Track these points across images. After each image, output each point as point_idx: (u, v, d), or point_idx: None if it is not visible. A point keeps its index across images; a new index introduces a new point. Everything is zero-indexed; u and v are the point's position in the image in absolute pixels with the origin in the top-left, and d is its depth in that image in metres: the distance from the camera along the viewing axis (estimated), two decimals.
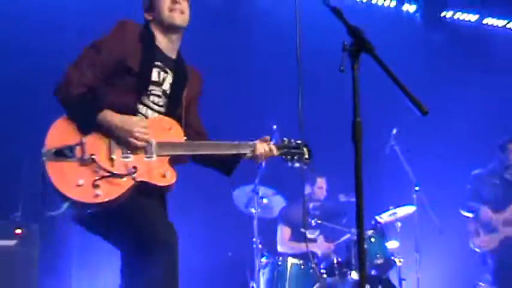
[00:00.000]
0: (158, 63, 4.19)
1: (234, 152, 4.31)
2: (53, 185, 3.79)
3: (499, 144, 8.43)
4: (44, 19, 7.89)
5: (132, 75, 4.07)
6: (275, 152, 4.39)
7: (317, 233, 8.12)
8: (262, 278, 7.53)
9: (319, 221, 7.92)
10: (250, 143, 4.34)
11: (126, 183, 3.89)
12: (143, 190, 3.99)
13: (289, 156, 4.46)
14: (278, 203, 8.10)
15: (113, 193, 3.85)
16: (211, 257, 8.34)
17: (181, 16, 4.24)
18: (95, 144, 3.91)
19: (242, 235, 8.00)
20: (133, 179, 3.91)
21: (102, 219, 3.95)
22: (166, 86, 4.24)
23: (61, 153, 3.83)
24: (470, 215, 8.38)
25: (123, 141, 3.96)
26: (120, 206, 3.91)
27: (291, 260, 7.56)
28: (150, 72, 4.15)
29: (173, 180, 4.07)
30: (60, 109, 4.06)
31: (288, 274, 7.47)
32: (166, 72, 4.24)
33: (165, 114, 4.24)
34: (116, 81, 4.05)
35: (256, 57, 8.33)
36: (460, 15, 11.22)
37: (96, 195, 3.79)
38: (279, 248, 8.14)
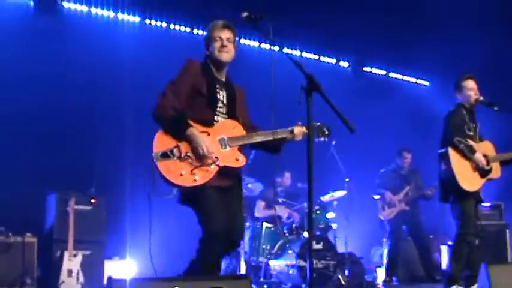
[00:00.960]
0: (217, 85, 4.11)
1: (279, 136, 4.10)
2: (164, 178, 3.80)
3: (396, 151, 8.56)
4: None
5: (203, 97, 4.01)
6: (305, 131, 4.07)
7: (282, 207, 8.25)
8: (246, 236, 7.44)
9: (284, 200, 8.12)
10: (289, 128, 4.15)
11: (214, 169, 3.87)
12: (225, 172, 3.94)
13: (316, 133, 4.24)
14: (258, 187, 7.90)
15: (206, 177, 3.84)
16: None
17: (227, 54, 4.12)
18: (187, 146, 3.86)
19: None
20: (217, 165, 3.87)
21: (193, 202, 3.92)
22: (224, 99, 4.13)
23: (165, 155, 3.81)
24: (378, 196, 8.45)
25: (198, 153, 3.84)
26: (201, 197, 3.87)
27: (265, 224, 7.62)
28: (216, 93, 4.08)
29: (244, 162, 4.02)
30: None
31: (263, 233, 7.55)
32: (222, 90, 4.13)
33: (228, 118, 4.11)
34: (195, 101, 4.00)
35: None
36: (375, 70, 11.32)
37: (195, 180, 3.80)
38: (256, 214, 7.98)
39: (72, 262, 6.27)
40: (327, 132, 4.33)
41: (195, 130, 3.88)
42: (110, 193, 7.34)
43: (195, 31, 8.77)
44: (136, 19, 8.44)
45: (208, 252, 3.81)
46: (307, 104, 3.37)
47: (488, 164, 5.59)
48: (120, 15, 8.28)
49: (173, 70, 4.04)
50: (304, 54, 10.16)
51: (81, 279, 6.27)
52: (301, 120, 4.07)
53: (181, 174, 3.78)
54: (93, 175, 7.44)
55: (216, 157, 3.89)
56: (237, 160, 3.99)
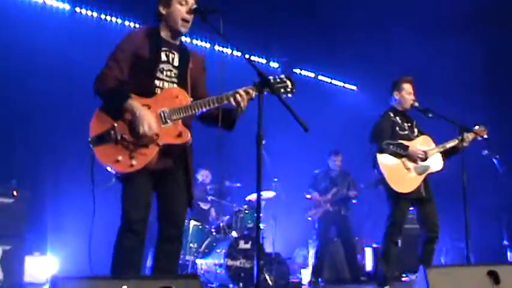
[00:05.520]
0: (164, 48, 3.77)
1: (225, 101, 3.65)
2: (102, 164, 3.52)
3: (326, 155, 8.69)
4: None
5: (144, 61, 3.70)
6: (252, 92, 3.62)
7: (209, 205, 8.25)
8: None
9: (213, 198, 8.10)
10: (231, 92, 3.66)
11: (153, 150, 3.56)
12: (168, 151, 3.65)
13: (276, 91, 3.54)
14: None
15: (144, 160, 3.54)
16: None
17: (188, 25, 3.83)
18: (123, 126, 3.56)
19: None
20: (157, 144, 3.57)
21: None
22: (175, 62, 3.80)
23: (101, 138, 3.53)
24: (308, 196, 8.52)
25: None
26: (127, 184, 3.61)
27: (192, 222, 7.52)
28: (159, 55, 3.74)
29: (188, 137, 3.68)
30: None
31: (190, 231, 7.45)
32: (173, 53, 3.81)
33: (178, 84, 3.78)
34: (136, 69, 3.69)
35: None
36: (305, 72, 11.57)
37: (131, 166, 3.50)
38: None
39: None
40: (291, 86, 3.69)
41: (136, 103, 3.59)
42: (32, 186, 7.07)
43: (127, 23, 8.65)
44: (66, 6, 8.21)
45: (120, 244, 3.59)
46: (259, 100, 3.33)
47: (426, 157, 5.64)
48: (49, 2, 8.02)
49: (102, 61, 3.78)
50: (235, 53, 10.19)
51: (1, 275, 6.02)
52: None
53: (118, 160, 3.51)
54: (15, 167, 7.24)
55: (157, 134, 3.58)
56: (178, 136, 3.67)
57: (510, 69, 9.26)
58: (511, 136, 8.73)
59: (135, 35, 3.82)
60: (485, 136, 5.78)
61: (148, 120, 3.55)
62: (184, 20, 3.80)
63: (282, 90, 3.67)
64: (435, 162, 5.74)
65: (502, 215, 8.15)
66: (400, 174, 5.63)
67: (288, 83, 3.70)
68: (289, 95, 3.70)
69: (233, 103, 3.67)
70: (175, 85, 3.80)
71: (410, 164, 5.67)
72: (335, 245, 8.53)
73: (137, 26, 8.64)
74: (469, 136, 5.62)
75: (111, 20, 8.59)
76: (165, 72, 3.77)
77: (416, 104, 5.78)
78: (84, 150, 3.66)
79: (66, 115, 7.62)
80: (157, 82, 3.74)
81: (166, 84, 3.77)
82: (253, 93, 3.63)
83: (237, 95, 3.64)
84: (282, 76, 3.73)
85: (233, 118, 3.80)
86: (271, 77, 3.62)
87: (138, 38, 3.77)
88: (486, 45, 9.00)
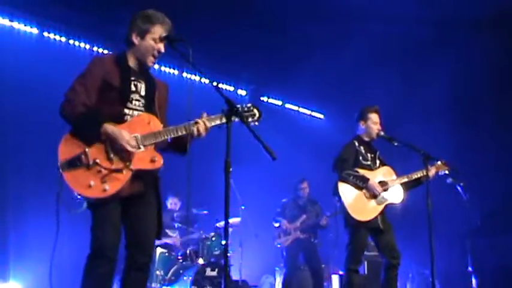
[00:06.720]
0: (133, 78, 3.76)
1: (193, 128, 3.70)
2: (72, 189, 3.45)
3: (294, 183, 8.73)
4: None
5: (114, 90, 3.66)
6: (208, 123, 3.72)
7: (176, 232, 8.19)
8: None
9: (180, 225, 8.05)
10: (192, 122, 3.72)
11: (126, 175, 3.53)
12: (139, 176, 3.62)
13: (244, 119, 3.61)
14: None
15: (117, 185, 3.50)
16: None
17: (155, 62, 3.85)
18: (96, 151, 3.51)
19: None
20: (130, 169, 3.54)
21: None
22: (142, 92, 3.79)
23: (72, 163, 3.45)
24: (277, 224, 8.55)
25: (118, 148, 3.54)
26: (97, 209, 3.56)
27: (159, 249, 7.45)
28: (130, 85, 3.74)
29: (161, 163, 3.67)
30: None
31: (157, 258, 7.37)
32: (140, 82, 3.80)
33: (145, 112, 3.78)
34: (105, 96, 3.64)
35: None
36: (272, 100, 11.66)
37: (104, 191, 3.45)
38: None
39: None
40: (258, 115, 3.82)
41: (110, 126, 3.55)
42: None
43: (95, 49, 8.63)
44: (34, 30, 8.16)
45: (91, 272, 3.50)
46: (228, 128, 3.35)
47: (385, 189, 5.71)
48: (16, 25, 7.97)
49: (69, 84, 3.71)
50: (203, 80, 10.21)
51: None
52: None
53: (90, 185, 3.44)
54: None
55: (129, 160, 3.56)
56: (152, 161, 3.66)
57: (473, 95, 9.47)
58: (474, 161, 8.90)
59: (104, 61, 3.80)
60: (446, 172, 5.89)
61: (126, 137, 3.55)
62: (154, 57, 3.82)
63: (250, 118, 3.79)
64: (395, 194, 5.82)
65: (466, 242, 8.26)
66: (360, 203, 5.67)
67: (255, 111, 3.83)
68: (256, 123, 3.81)
69: (195, 132, 3.73)
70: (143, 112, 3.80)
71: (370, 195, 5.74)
72: (303, 272, 8.53)
73: (106, 52, 8.60)
74: (432, 170, 5.72)
75: (79, 45, 8.55)
76: (134, 102, 3.76)
77: (382, 133, 5.88)
78: (50, 173, 3.59)
79: (31, 137, 7.50)
80: (126, 111, 3.72)
81: (135, 112, 3.75)
82: (208, 124, 3.73)
83: (200, 126, 3.73)
84: (249, 105, 3.84)
85: (184, 143, 3.80)
86: (238, 106, 3.66)
87: (107, 64, 3.75)
88: (452, 70, 9.17)
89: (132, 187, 3.63)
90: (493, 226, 8.71)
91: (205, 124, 3.75)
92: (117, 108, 3.69)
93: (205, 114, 3.81)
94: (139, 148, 3.63)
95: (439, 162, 5.84)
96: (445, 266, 7.92)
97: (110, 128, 3.56)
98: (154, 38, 3.77)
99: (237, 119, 3.50)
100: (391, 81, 9.36)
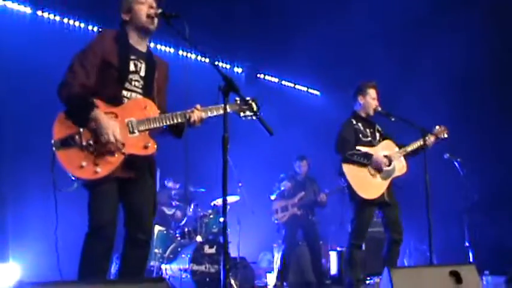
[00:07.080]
0: (133, 57, 3.75)
1: (190, 118, 3.73)
2: (64, 169, 3.44)
3: (294, 159, 8.67)
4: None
5: (113, 69, 3.65)
6: (203, 114, 3.78)
7: (174, 210, 8.20)
8: None
9: (178, 202, 8.06)
10: (189, 110, 3.76)
11: (118, 158, 3.53)
12: (132, 161, 3.62)
13: (241, 112, 3.83)
14: None
15: (109, 168, 3.50)
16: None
17: (155, 22, 3.80)
18: (89, 133, 3.50)
19: None
20: (123, 153, 3.55)
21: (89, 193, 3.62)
22: (142, 73, 3.78)
23: (66, 142, 3.45)
24: (274, 197, 8.52)
25: (103, 138, 3.50)
26: (94, 189, 3.57)
27: (157, 227, 7.47)
28: (128, 65, 3.72)
29: (154, 150, 3.69)
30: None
31: (155, 236, 7.38)
32: (140, 62, 3.79)
33: (143, 95, 3.77)
34: (103, 76, 3.63)
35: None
36: (268, 77, 11.61)
37: (96, 172, 3.46)
38: None
39: None
40: (255, 108, 3.80)
41: (100, 113, 3.53)
42: None
43: (90, 27, 8.57)
44: (28, 10, 8.08)
45: (88, 250, 3.53)
46: (225, 104, 3.36)
47: (390, 163, 5.70)
48: (9, 4, 7.89)
49: (64, 66, 3.68)
50: (199, 58, 10.18)
51: None
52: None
53: (82, 166, 3.44)
54: None
55: (123, 144, 3.56)
56: (145, 148, 3.67)
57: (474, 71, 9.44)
58: (472, 138, 8.91)
59: (105, 38, 3.76)
60: (446, 136, 5.91)
61: (112, 128, 3.52)
62: (149, 16, 3.78)
63: (247, 112, 3.85)
64: (399, 166, 5.81)
65: (464, 217, 8.28)
66: (366, 181, 5.68)
67: (253, 104, 3.81)
68: (254, 118, 3.79)
69: (191, 120, 3.76)
70: (140, 96, 3.78)
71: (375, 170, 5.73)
72: (301, 248, 8.54)
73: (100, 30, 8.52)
74: (431, 138, 5.74)
75: (73, 24, 8.49)
76: (133, 83, 3.75)
77: (379, 109, 5.87)
78: (47, 152, 3.56)
79: (27, 117, 7.45)
80: (125, 92, 3.71)
81: (133, 94, 3.74)
82: (203, 115, 3.79)
83: (195, 115, 3.77)
84: (248, 98, 3.82)
85: (181, 129, 3.88)
86: (237, 99, 3.80)
87: (108, 41, 3.72)
88: (452, 49, 9.12)
89: (125, 171, 3.64)
90: (490, 202, 8.76)
91: (200, 114, 3.78)
92: (116, 89, 3.68)
93: (198, 106, 3.82)
94: (134, 133, 3.63)
95: (437, 127, 5.88)
96: (442, 241, 7.95)
97: (98, 116, 3.52)
98: (139, 1, 3.79)
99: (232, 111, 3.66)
100: (389, 59, 9.31)
